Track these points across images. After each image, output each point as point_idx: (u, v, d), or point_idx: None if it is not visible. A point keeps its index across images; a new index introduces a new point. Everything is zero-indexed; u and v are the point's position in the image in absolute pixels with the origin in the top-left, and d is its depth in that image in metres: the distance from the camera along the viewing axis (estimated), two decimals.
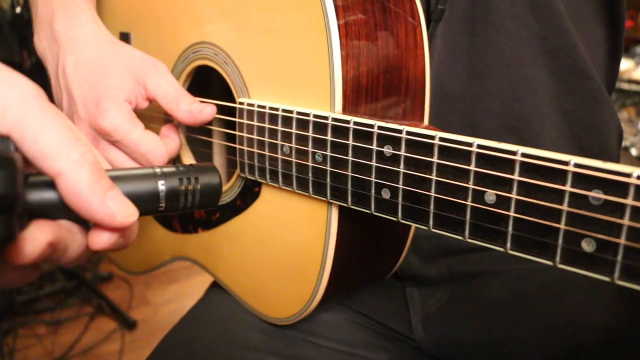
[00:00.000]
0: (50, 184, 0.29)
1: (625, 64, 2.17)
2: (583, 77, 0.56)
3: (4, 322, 1.66)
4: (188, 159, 0.67)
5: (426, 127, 0.53)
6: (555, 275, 0.58)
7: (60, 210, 0.29)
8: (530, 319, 0.57)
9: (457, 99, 0.57)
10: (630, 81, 2.07)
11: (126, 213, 0.30)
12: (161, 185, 0.34)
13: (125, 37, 0.73)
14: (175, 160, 0.66)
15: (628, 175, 0.30)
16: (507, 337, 0.58)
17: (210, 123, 0.57)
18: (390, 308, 0.65)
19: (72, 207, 0.29)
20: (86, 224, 0.32)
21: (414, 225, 0.41)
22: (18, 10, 1.86)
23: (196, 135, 0.67)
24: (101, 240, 0.31)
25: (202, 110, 0.54)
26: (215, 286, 0.67)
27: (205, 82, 0.67)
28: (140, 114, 0.57)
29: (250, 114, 0.52)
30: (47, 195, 0.29)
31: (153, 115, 0.67)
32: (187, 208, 0.36)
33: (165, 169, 0.35)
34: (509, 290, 0.59)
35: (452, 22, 0.55)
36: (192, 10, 0.61)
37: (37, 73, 1.88)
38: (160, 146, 0.53)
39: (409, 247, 0.58)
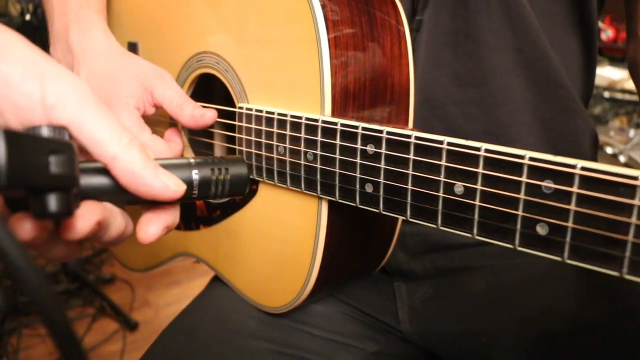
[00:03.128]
0: (98, 170, 0.34)
1: (619, 74, 2.22)
2: (557, 86, 0.60)
3: (8, 322, 1.70)
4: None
5: (412, 130, 0.58)
6: (531, 270, 0.62)
7: (105, 193, 0.34)
8: (507, 311, 0.61)
9: (440, 106, 0.61)
10: (624, 91, 2.12)
11: (177, 184, 0.35)
12: (195, 175, 0.38)
13: (133, 47, 0.78)
14: None
15: (573, 167, 0.34)
16: (487, 327, 0.62)
17: (211, 126, 0.62)
18: (379, 301, 0.69)
19: (129, 185, 0.33)
20: (123, 207, 0.36)
21: (394, 215, 0.45)
22: (28, 17, 1.90)
23: (198, 138, 0.71)
24: (151, 228, 0.35)
25: (204, 114, 0.59)
26: (216, 280, 0.71)
27: (208, 88, 0.72)
28: (147, 118, 0.62)
29: (249, 117, 0.57)
30: (95, 179, 0.34)
31: (159, 120, 0.71)
32: (217, 196, 0.40)
33: (199, 160, 0.39)
34: (489, 284, 0.63)
35: (436, 35, 0.60)
36: (195, 22, 0.66)
37: None
38: (166, 149, 0.58)
39: (395, 244, 0.62)
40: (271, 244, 0.60)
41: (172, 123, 0.70)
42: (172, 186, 0.34)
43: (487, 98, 0.60)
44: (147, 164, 0.33)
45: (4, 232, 0.22)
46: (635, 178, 0.32)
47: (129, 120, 0.57)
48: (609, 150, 1.49)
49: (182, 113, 0.59)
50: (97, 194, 0.34)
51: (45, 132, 0.30)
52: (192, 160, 0.39)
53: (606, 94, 1.94)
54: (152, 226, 0.36)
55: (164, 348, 0.63)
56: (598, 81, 1.95)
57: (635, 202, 0.32)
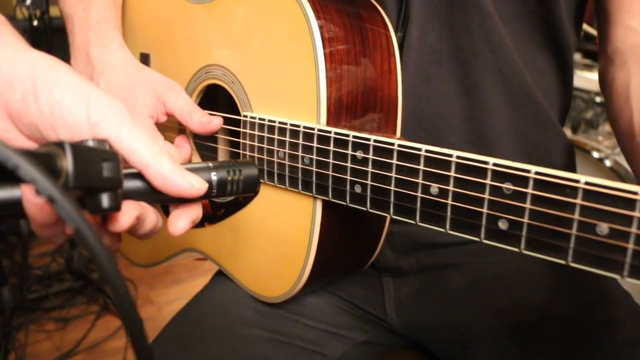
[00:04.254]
0: (134, 175, 0.40)
1: None
2: (531, 102, 0.66)
3: (16, 318, 1.76)
4: (196, 160, 0.78)
5: (397, 139, 0.65)
6: (506, 267, 0.68)
7: (141, 193, 0.40)
8: (484, 304, 0.67)
9: (426, 118, 0.67)
10: None
11: (200, 183, 0.41)
12: (213, 176, 0.45)
13: (145, 57, 0.85)
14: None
15: (528, 172, 0.41)
16: (465, 318, 0.68)
17: (217, 132, 0.68)
18: (368, 295, 0.75)
19: (161, 187, 0.40)
20: (154, 206, 0.43)
21: (379, 213, 0.51)
22: (35, 23, 1.94)
23: (202, 142, 0.78)
24: (180, 222, 0.42)
25: (211, 122, 0.65)
26: (218, 275, 0.77)
27: (213, 97, 0.78)
28: (159, 124, 0.68)
29: (252, 125, 0.63)
30: (133, 183, 0.40)
31: (169, 125, 0.77)
32: (232, 193, 0.46)
33: (217, 164, 0.45)
34: (468, 280, 0.69)
35: (423, 54, 0.66)
36: (204, 37, 0.72)
37: None
38: (177, 154, 0.64)
39: (383, 242, 0.68)
40: (270, 240, 0.66)
41: (181, 129, 0.76)
42: (196, 184, 0.41)
43: (469, 112, 0.66)
44: (175, 168, 0.40)
45: (86, 226, 0.28)
46: (577, 181, 0.38)
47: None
48: (595, 154, 1.55)
49: (192, 120, 0.65)
50: (134, 195, 0.40)
51: (90, 145, 0.36)
52: (210, 164, 0.45)
53: (597, 99, 1.99)
54: (181, 221, 0.42)
55: (172, 334, 0.69)
56: (590, 86, 1.99)
57: (578, 201, 0.38)
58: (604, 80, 0.68)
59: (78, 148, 0.32)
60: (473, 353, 0.65)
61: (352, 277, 0.75)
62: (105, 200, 0.35)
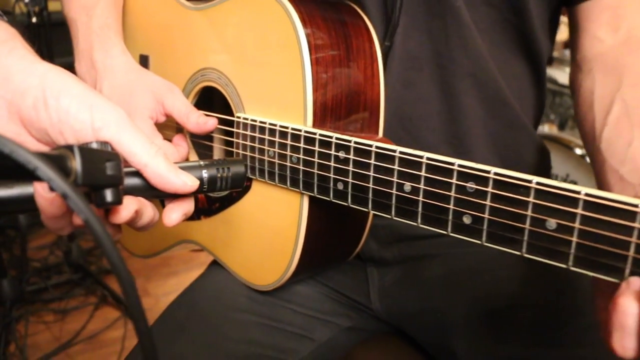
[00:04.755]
0: (133, 173, 0.45)
1: None
2: (504, 105, 0.71)
3: (16, 310, 1.80)
4: (193, 157, 0.83)
5: (379, 139, 0.70)
6: (480, 258, 0.73)
7: (139, 190, 0.45)
8: (459, 292, 0.73)
9: (407, 119, 0.72)
10: None
11: (192, 181, 0.46)
12: (204, 173, 0.50)
13: (144, 59, 0.89)
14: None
15: (488, 172, 0.46)
16: (443, 305, 0.73)
17: (212, 132, 0.73)
18: (353, 283, 0.80)
19: (157, 184, 0.44)
20: (151, 200, 0.47)
21: (359, 208, 0.57)
22: (34, 20, 1.96)
23: (198, 140, 0.82)
24: (173, 214, 0.47)
25: (206, 122, 0.70)
26: (213, 265, 0.82)
27: (209, 98, 0.83)
28: (158, 123, 0.73)
29: (245, 125, 0.68)
30: (132, 180, 0.45)
31: (168, 124, 0.82)
32: (222, 189, 0.51)
33: (207, 162, 0.50)
34: (446, 270, 0.75)
35: (405, 60, 0.70)
36: (200, 41, 0.76)
37: None
38: (174, 152, 0.69)
39: (367, 234, 0.74)
40: (261, 232, 0.71)
41: (179, 128, 0.81)
42: (189, 182, 0.46)
43: (446, 114, 0.71)
44: (169, 168, 0.45)
45: (94, 217, 0.32)
46: (529, 181, 0.43)
47: (144, 128, 0.68)
48: (578, 151, 1.61)
49: (189, 121, 0.70)
50: (133, 191, 0.45)
51: (94, 147, 0.41)
52: (202, 163, 0.50)
53: None
54: (174, 213, 0.47)
55: (169, 319, 0.74)
56: None
57: (530, 199, 0.44)
58: (572, 85, 0.73)
59: (85, 150, 0.37)
60: (449, 337, 0.71)
61: (338, 266, 0.80)
62: (108, 195, 0.40)
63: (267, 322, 0.74)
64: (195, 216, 0.82)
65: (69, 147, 0.37)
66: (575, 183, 1.77)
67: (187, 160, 0.82)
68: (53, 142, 0.44)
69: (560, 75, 2.07)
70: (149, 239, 0.92)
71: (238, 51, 0.70)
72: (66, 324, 1.82)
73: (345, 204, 0.58)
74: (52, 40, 1.95)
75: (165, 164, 0.45)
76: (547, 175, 0.82)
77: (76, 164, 0.36)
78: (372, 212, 0.56)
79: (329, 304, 0.79)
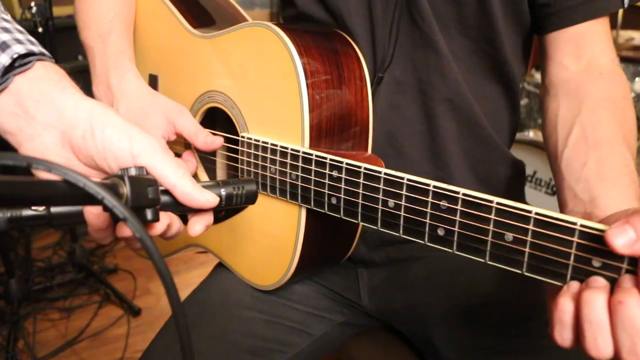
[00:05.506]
0: (164, 192, 0.52)
1: None
2: (477, 126, 0.80)
3: (23, 308, 1.88)
4: (200, 171, 0.91)
5: (369, 156, 0.78)
6: (459, 259, 0.81)
7: (169, 206, 0.53)
8: (440, 290, 0.82)
9: (394, 137, 0.80)
10: None
11: (214, 198, 0.55)
12: (222, 191, 0.58)
13: (154, 79, 0.97)
14: (194, 175, 0.90)
15: (457, 193, 0.54)
16: (425, 302, 0.82)
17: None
18: (346, 283, 0.89)
19: (184, 201, 0.53)
20: (178, 215, 0.56)
21: (350, 220, 0.65)
22: (40, 30, 2.02)
23: (205, 155, 0.91)
24: (197, 226, 0.55)
25: (214, 141, 0.78)
26: (219, 266, 0.91)
27: (214, 117, 0.91)
28: (169, 141, 0.81)
29: (249, 144, 0.77)
30: (163, 198, 0.53)
31: (178, 141, 0.90)
32: (237, 205, 0.59)
33: (224, 181, 0.58)
34: (428, 271, 0.84)
35: (391, 85, 0.79)
36: (207, 66, 0.85)
37: None
38: (185, 167, 0.77)
39: (358, 239, 0.82)
40: (263, 238, 0.80)
41: (187, 144, 0.89)
42: (211, 199, 0.54)
43: (427, 133, 0.80)
44: (195, 187, 0.53)
45: (139, 223, 0.41)
46: (491, 201, 0.52)
47: None
48: None
49: (197, 140, 0.78)
50: (164, 207, 0.53)
51: (132, 171, 0.49)
52: (220, 182, 0.58)
53: None
54: (198, 225, 0.56)
55: None
56: None
57: (492, 216, 0.52)
58: (542, 106, 0.82)
59: (133, 179, 0.46)
60: (430, 331, 0.80)
61: (332, 268, 0.89)
62: (149, 214, 0.49)
63: (269, 318, 0.82)
64: None
65: (120, 177, 0.46)
66: None
67: (195, 174, 0.90)
68: (97, 166, 0.53)
69: None
70: (160, 242, 1.00)
71: (242, 77, 0.79)
72: (71, 321, 1.90)
73: (338, 216, 0.67)
74: (56, 46, 2.02)
75: (191, 184, 0.53)
76: (521, 188, 0.91)
77: (126, 190, 0.45)
78: (361, 224, 0.64)
79: (324, 301, 0.88)
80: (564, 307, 0.46)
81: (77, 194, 0.40)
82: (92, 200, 0.40)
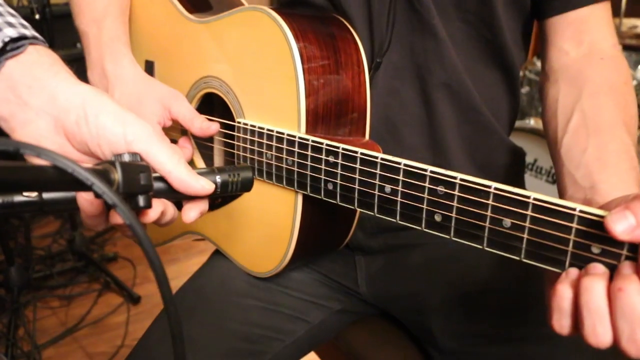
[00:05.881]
0: (159, 179, 0.52)
1: None
2: (476, 112, 0.79)
3: (23, 296, 1.89)
4: (197, 158, 0.90)
5: (366, 142, 0.77)
6: (457, 247, 0.81)
7: (164, 193, 0.52)
8: (437, 277, 0.81)
9: (391, 123, 0.79)
10: None
11: (209, 185, 0.53)
12: (218, 178, 0.57)
13: (150, 64, 0.96)
14: (191, 161, 0.89)
15: (455, 178, 0.54)
16: (422, 289, 0.82)
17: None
18: (343, 270, 0.88)
19: (179, 188, 0.51)
20: (173, 202, 0.55)
21: (346, 206, 0.64)
22: (37, 17, 2.01)
23: (202, 142, 0.90)
24: (192, 213, 0.54)
25: (209, 127, 0.77)
26: (216, 254, 0.90)
27: (210, 103, 0.90)
28: (165, 127, 0.80)
29: (245, 130, 0.76)
30: (157, 185, 0.52)
31: (174, 127, 0.89)
32: (232, 192, 0.59)
33: (220, 168, 0.57)
34: (425, 258, 0.83)
35: (389, 70, 0.78)
36: (203, 51, 0.83)
37: None
38: (180, 154, 0.76)
39: (356, 226, 0.82)
40: (259, 224, 0.79)
41: (183, 130, 0.88)
42: (206, 186, 0.53)
43: (425, 119, 0.79)
44: (190, 174, 0.52)
45: (128, 210, 0.40)
46: (489, 187, 0.51)
47: None
48: None
49: (193, 126, 0.77)
50: (159, 194, 0.52)
51: (126, 157, 0.48)
52: (215, 169, 0.58)
53: None
54: (192, 212, 0.55)
55: (179, 303, 0.82)
56: None
57: (490, 202, 0.51)
58: (541, 92, 0.81)
59: (124, 165, 0.45)
60: (427, 319, 0.79)
61: (329, 255, 0.88)
62: (141, 200, 0.48)
63: (266, 305, 0.82)
64: None
65: (112, 163, 0.45)
66: None
67: (191, 160, 0.89)
68: (91, 152, 0.52)
69: None
70: (157, 229, 0.99)
71: (238, 62, 0.77)
72: (71, 309, 1.91)
73: (335, 202, 0.66)
74: (54, 33, 2.01)
75: (186, 171, 0.52)
76: (520, 175, 0.90)
77: (118, 176, 0.44)
78: (357, 209, 0.64)
79: (321, 289, 0.87)
80: (563, 294, 0.45)
81: (68, 180, 0.39)
82: (82, 186, 0.39)
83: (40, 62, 0.53)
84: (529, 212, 0.49)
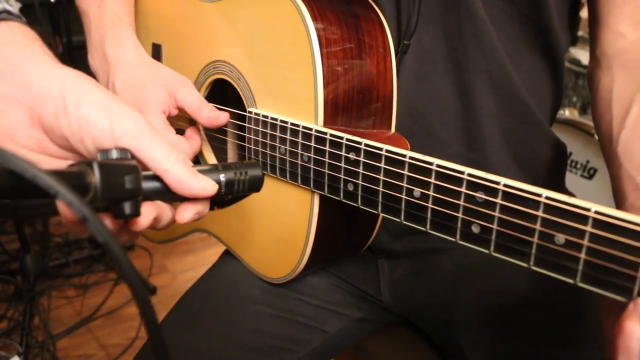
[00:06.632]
0: (153, 177, 0.45)
1: None
2: (518, 102, 0.70)
3: (39, 284, 1.86)
4: (207, 151, 0.83)
5: (392, 135, 0.69)
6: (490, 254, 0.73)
7: (159, 194, 0.45)
8: (468, 286, 0.73)
9: (420, 115, 0.71)
10: None
11: (211, 185, 0.46)
12: (222, 177, 0.49)
13: (157, 48, 0.89)
14: (198, 155, 0.82)
15: (498, 183, 0.45)
16: (451, 299, 0.74)
17: (225, 125, 0.73)
18: (364, 275, 0.81)
19: (177, 190, 0.44)
20: (171, 204, 0.48)
21: (368, 210, 0.57)
22: (52, 0, 1.95)
23: (213, 133, 0.83)
24: (186, 213, 0.47)
25: (218, 117, 0.70)
26: (226, 254, 0.84)
27: (223, 90, 0.82)
28: (171, 116, 0.73)
29: (256, 121, 0.68)
30: (152, 185, 0.44)
31: (180, 116, 0.82)
32: (239, 192, 0.51)
33: (225, 165, 0.50)
34: (455, 264, 0.75)
35: (419, 55, 0.69)
36: (213, 33, 0.76)
37: (68, 59, 2.03)
38: (187, 147, 0.69)
39: (379, 227, 0.74)
40: (273, 225, 0.72)
41: (192, 120, 0.81)
42: (208, 187, 0.46)
43: (460, 110, 0.70)
44: (189, 173, 0.45)
45: (102, 224, 0.33)
46: (539, 195, 0.43)
47: (156, 123, 0.68)
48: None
49: (201, 115, 0.70)
50: (153, 195, 0.45)
51: (114, 154, 0.41)
52: (219, 166, 0.50)
53: None
54: (187, 212, 0.47)
55: (184, 309, 0.76)
56: None
57: (539, 213, 0.43)
58: (591, 81, 0.72)
59: (104, 166, 0.38)
60: (456, 331, 0.71)
61: (349, 259, 0.81)
62: (127, 207, 0.41)
63: (279, 313, 0.75)
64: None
65: (89, 163, 0.38)
66: (595, 170, 1.74)
67: (200, 153, 0.82)
68: (73, 148, 0.44)
69: (584, 55, 2.01)
70: None
71: (250, 45, 0.70)
72: (87, 298, 1.88)
73: (355, 205, 0.58)
74: (70, 18, 1.95)
75: (185, 170, 0.45)
76: (562, 172, 0.81)
77: (95, 179, 0.37)
78: (381, 214, 0.56)
79: (339, 295, 0.80)
80: (632, 332, 0.37)
81: (28, 187, 0.32)
82: (46, 194, 0.32)
83: (13, 41, 0.45)
84: (589, 228, 0.41)
